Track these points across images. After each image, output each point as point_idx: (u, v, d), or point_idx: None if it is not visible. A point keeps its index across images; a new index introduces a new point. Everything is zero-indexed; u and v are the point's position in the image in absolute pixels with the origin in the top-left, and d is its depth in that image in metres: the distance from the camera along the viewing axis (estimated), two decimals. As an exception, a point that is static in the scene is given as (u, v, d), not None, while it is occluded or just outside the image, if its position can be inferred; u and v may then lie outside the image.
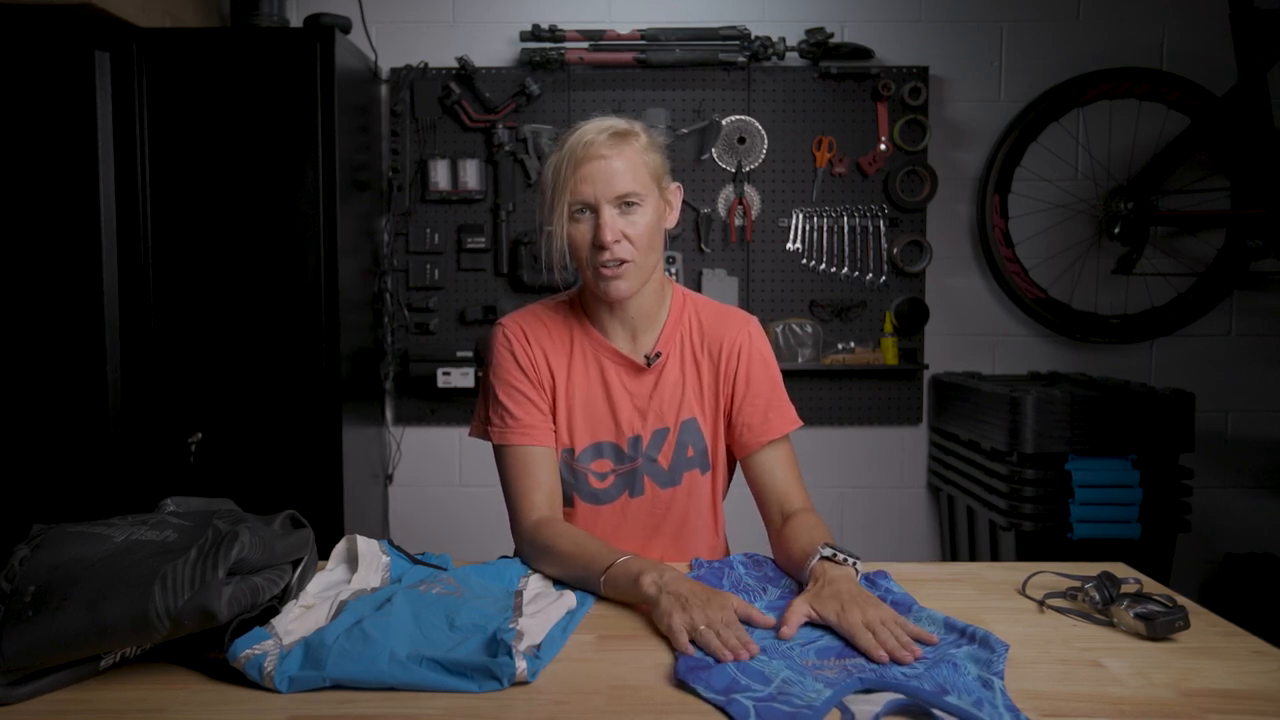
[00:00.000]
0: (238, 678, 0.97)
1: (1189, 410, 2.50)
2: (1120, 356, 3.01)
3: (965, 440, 2.78)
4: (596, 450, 1.47)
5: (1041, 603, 1.23)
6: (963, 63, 2.95)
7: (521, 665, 0.97)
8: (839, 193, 2.95)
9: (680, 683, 0.98)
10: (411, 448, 3.02)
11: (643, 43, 2.87)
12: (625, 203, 1.35)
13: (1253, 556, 2.98)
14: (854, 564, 1.21)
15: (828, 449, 3.02)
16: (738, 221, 2.94)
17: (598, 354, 1.47)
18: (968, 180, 2.99)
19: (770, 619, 1.13)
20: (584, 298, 1.50)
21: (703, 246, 2.93)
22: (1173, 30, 2.94)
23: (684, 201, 2.91)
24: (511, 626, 1.05)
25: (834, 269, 2.96)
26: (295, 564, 1.10)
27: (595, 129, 1.35)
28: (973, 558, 2.80)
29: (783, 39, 2.86)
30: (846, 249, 2.96)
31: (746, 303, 2.96)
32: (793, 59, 2.91)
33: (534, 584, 1.26)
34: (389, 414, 3.00)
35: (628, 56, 2.86)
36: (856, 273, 2.96)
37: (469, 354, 2.90)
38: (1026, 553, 2.49)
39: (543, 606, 1.15)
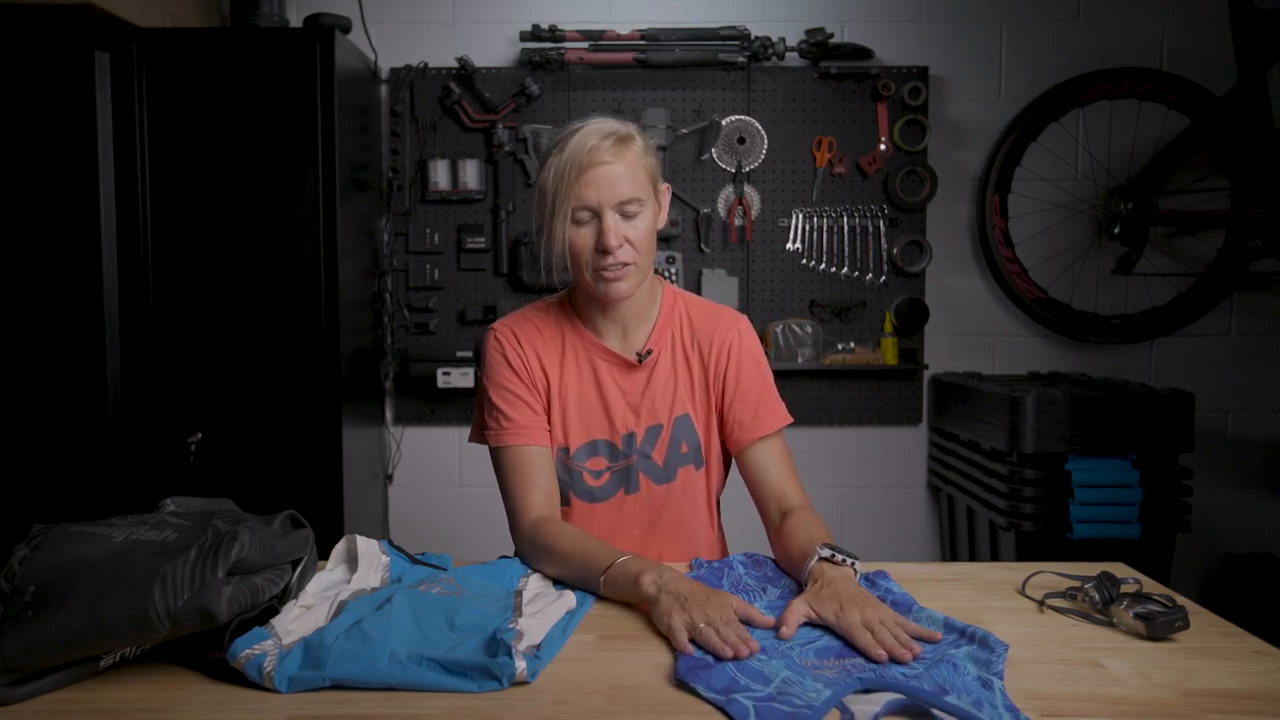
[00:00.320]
0: (238, 678, 0.97)
1: (1189, 410, 2.50)
2: (1120, 356, 3.01)
3: (965, 440, 2.78)
4: (591, 448, 1.47)
5: (1041, 603, 1.23)
6: (963, 63, 2.95)
7: (521, 665, 0.97)
8: (839, 193, 2.95)
9: (680, 682, 0.98)
10: (411, 448, 3.02)
11: (643, 43, 2.87)
12: (627, 207, 1.36)
13: (1253, 556, 2.98)
14: (853, 564, 1.21)
15: (828, 449, 3.02)
16: (737, 221, 2.94)
17: (589, 353, 1.48)
18: (968, 180, 2.99)
19: (770, 619, 1.13)
20: (575, 298, 1.50)
21: (703, 246, 2.93)
22: (1173, 30, 2.94)
23: (685, 202, 2.93)
24: (511, 626, 1.05)
25: (834, 269, 2.96)
26: (295, 564, 1.10)
27: (596, 133, 1.35)
28: (973, 558, 2.80)
29: (783, 39, 2.86)
30: (846, 249, 2.96)
31: (746, 303, 2.96)
32: (793, 59, 2.91)
33: (534, 584, 1.26)
34: (389, 414, 3.00)
35: (628, 56, 2.86)
36: (856, 273, 2.96)
37: (469, 354, 2.90)
38: (1026, 553, 2.49)
39: (543, 606, 1.15)
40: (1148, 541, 2.49)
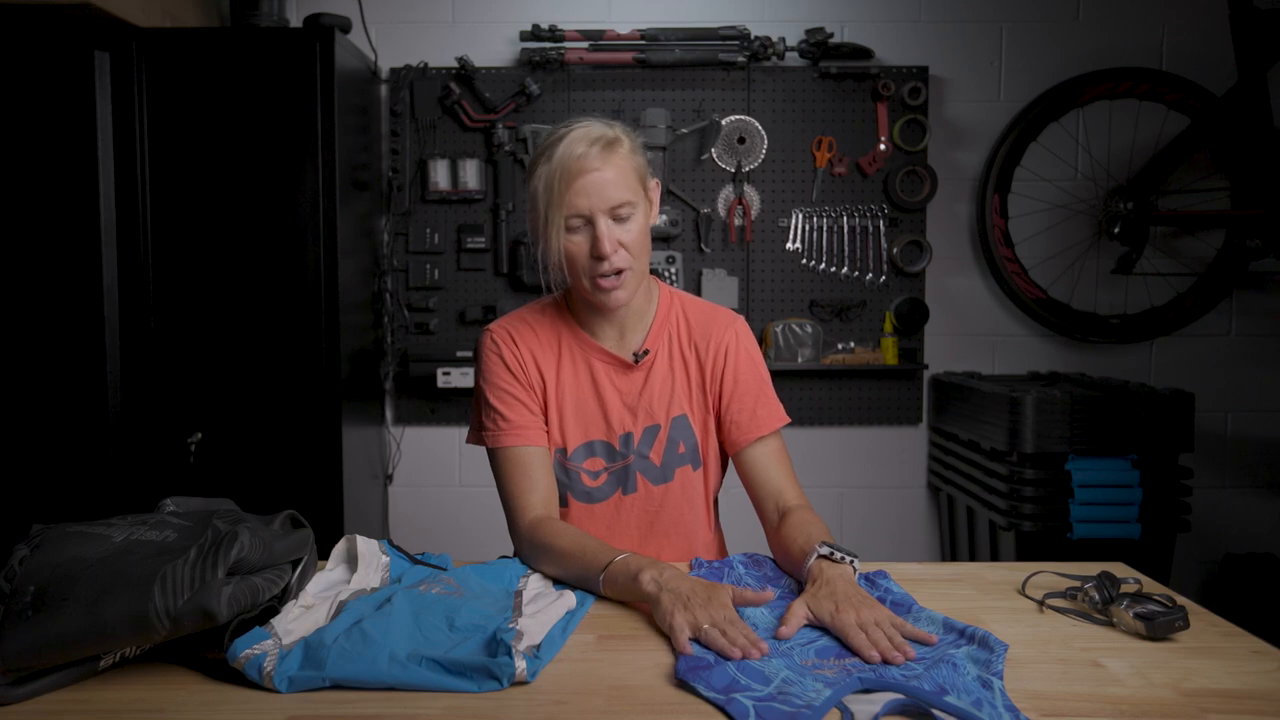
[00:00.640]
0: (237, 678, 0.97)
1: (1189, 410, 2.50)
2: (1120, 356, 3.01)
3: (965, 440, 2.78)
4: (588, 449, 1.47)
5: (1041, 603, 1.23)
6: (963, 63, 2.95)
7: (521, 665, 0.97)
8: (839, 193, 2.95)
9: (680, 682, 0.98)
10: (411, 448, 3.02)
11: (642, 43, 2.87)
12: (619, 211, 1.36)
13: (1253, 556, 2.98)
14: (851, 562, 1.21)
15: (828, 449, 3.02)
16: (737, 221, 2.94)
17: (586, 354, 1.48)
18: (967, 180, 2.99)
19: (769, 593, 1.16)
20: (571, 298, 1.50)
21: (703, 246, 2.93)
22: (1172, 30, 2.94)
23: (685, 202, 2.93)
24: (511, 626, 1.05)
25: (834, 269, 2.96)
26: (295, 564, 1.09)
27: (582, 139, 1.35)
28: (973, 558, 2.80)
29: (783, 39, 2.86)
30: (846, 249, 2.96)
31: (746, 303, 2.96)
32: (793, 59, 2.91)
33: (533, 584, 1.26)
34: (389, 414, 3.00)
35: (627, 56, 2.86)
36: (856, 273, 2.96)
37: (469, 354, 2.90)
38: (1026, 553, 2.49)
39: (542, 606, 1.15)
40: (1148, 541, 2.49)
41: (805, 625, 1.12)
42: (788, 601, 1.21)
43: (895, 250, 2.94)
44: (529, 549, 1.35)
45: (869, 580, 1.26)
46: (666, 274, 2.86)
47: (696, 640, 1.06)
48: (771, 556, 1.40)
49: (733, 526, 1.63)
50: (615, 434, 1.47)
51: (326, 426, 2.52)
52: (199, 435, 2.50)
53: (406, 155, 2.92)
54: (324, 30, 2.49)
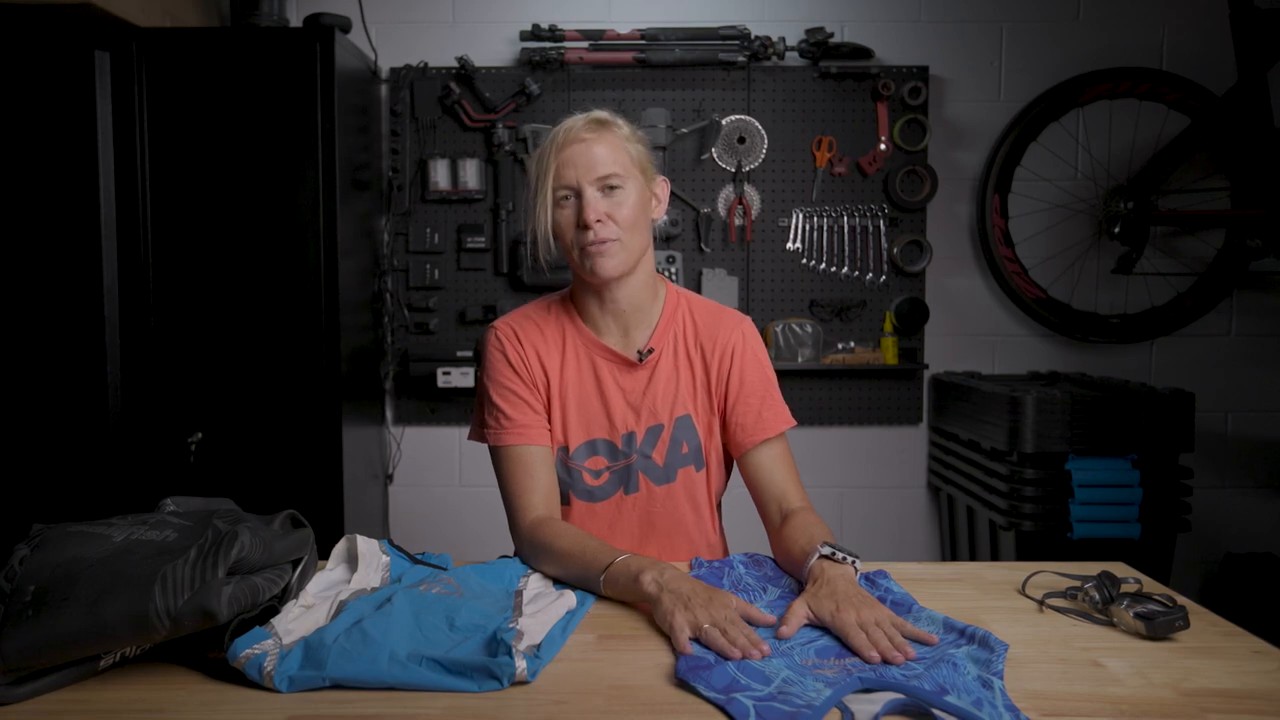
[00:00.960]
0: (237, 678, 0.97)
1: (1189, 410, 2.50)
2: (1120, 356, 3.01)
3: (965, 440, 2.78)
4: (591, 448, 1.47)
5: (1041, 602, 1.23)
6: (963, 63, 2.95)
7: (521, 665, 0.97)
8: (839, 192, 2.95)
9: (680, 681, 0.98)
10: (411, 447, 3.02)
11: (642, 42, 2.87)
12: (608, 185, 1.37)
13: (1253, 556, 2.98)
14: (853, 562, 1.21)
15: (828, 449, 3.02)
16: (738, 221, 2.94)
17: (590, 351, 1.47)
18: (968, 180, 2.99)
19: (770, 616, 1.14)
20: (576, 295, 1.50)
21: (703, 246, 2.93)
22: (1172, 30, 2.94)
23: (685, 202, 2.93)
24: (511, 626, 1.05)
25: (834, 269, 2.96)
26: (295, 564, 1.09)
27: (580, 118, 1.40)
28: (973, 558, 2.80)
29: (783, 39, 2.86)
30: (846, 249, 2.96)
31: (746, 303, 2.96)
32: (793, 59, 2.91)
33: (534, 584, 1.26)
34: (389, 414, 3.00)
35: (627, 56, 2.86)
36: (856, 272, 2.96)
37: (469, 354, 2.90)
38: (1026, 552, 2.49)
39: (543, 606, 1.15)
40: (1148, 541, 2.49)
41: (805, 625, 1.12)
42: (789, 601, 1.21)
43: (895, 250, 2.94)
44: (529, 549, 1.35)
45: (869, 580, 1.26)
46: (667, 274, 2.86)
47: (697, 640, 1.06)
48: (772, 557, 1.40)
49: (734, 527, 1.63)
50: (618, 433, 1.46)
51: (326, 426, 2.52)
52: (199, 435, 2.50)
53: (406, 155, 2.92)
54: (324, 30, 2.49)
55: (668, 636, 1.09)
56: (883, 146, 2.92)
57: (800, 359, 2.90)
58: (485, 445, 1.47)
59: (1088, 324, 2.97)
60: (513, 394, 1.44)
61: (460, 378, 2.86)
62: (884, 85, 2.87)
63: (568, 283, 1.53)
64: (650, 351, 1.47)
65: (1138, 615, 1.12)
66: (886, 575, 1.27)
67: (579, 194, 1.36)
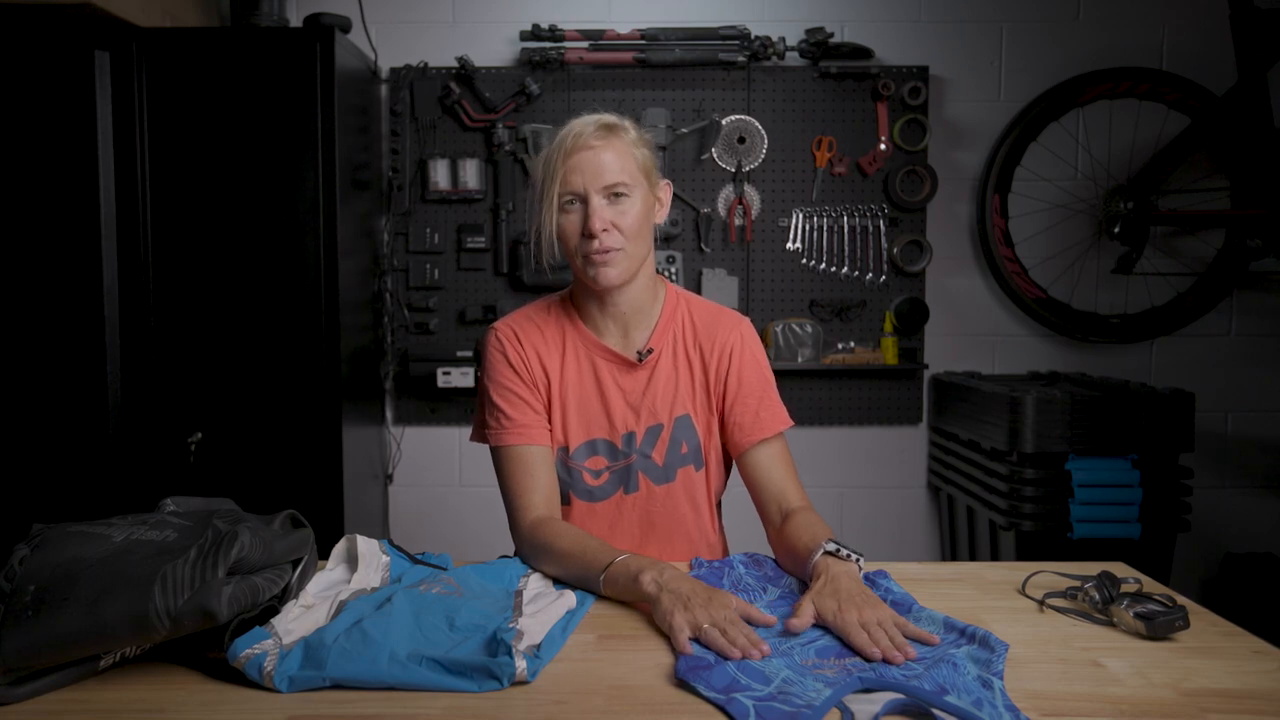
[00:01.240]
0: (238, 677, 0.97)
1: (1189, 410, 2.50)
2: (1120, 356, 3.01)
3: (965, 440, 2.78)
4: (590, 448, 1.47)
5: (1041, 602, 1.23)
6: (963, 63, 2.95)
7: (521, 665, 0.97)
8: (839, 192, 2.95)
9: (680, 681, 0.98)
10: (411, 447, 3.02)
11: (642, 42, 2.87)
12: (614, 193, 1.37)
13: (1253, 556, 2.98)
14: (857, 560, 1.21)
15: (828, 449, 3.02)
16: (737, 221, 2.94)
17: (590, 352, 1.48)
18: (968, 180, 2.99)
19: (771, 617, 1.14)
20: (576, 296, 1.50)
21: (703, 246, 2.93)
22: (1172, 30, 2.94)
23: (685, 202, 2.93)
24: (511, 626, 1.05)
25: (834, 269, 2.96)
26: (295, 564, 1.09)
27: (585, 122, 1.39)
28: (973, 558, 2.80)
29: (783, 39, 2.86)
30: (846, 249, 2.96)
31: (746, 303, 2.96)
32: (793, 59, 2.91)
33: (534, 583, 1.26)
34: (389, 414, 3.00)
35: (627, 56, 2.86)
36: (856, 272, 2.96)
37: (469, 354, 2.90)
38: (1026, 552, 2.49)
39: (543, 606, 1.15)
40: (1148, 541, 2.49)
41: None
42: (789, 601, 1.21)
43: (895, 250, 2.94)
44: (530, 549, 1.35)
45: (869, 580, 1.26)
46: (667, 274, 2.86)
47: (696, 640, 1.06)
48: (773, 557, 1.40)
49: (734, 527, 1.63)
50: (618, 433, 1.47)
51: (326, 426, 2.52)
52: (199, 435, 2.50)
53: (406, 155, 2.92)
54: (324, 30, 2.49)
55: (667, 636, 1.09)
56: (883, 146, 2.92)
57: (800, 359, 2.90)
58: (486, 446, 1.48)
59: (1088, 324, 2.97)
60: (513, 394, 1.44)
61: (460, 378, 2.86)
62: (884, 85, 2.87)
63: (568, 283, 1.53)
64: (650, 352, 1.47)
65: (1138, 615, 1.12)
66: (886, 575, 1.27)
67: (585, 201, 1.36)
